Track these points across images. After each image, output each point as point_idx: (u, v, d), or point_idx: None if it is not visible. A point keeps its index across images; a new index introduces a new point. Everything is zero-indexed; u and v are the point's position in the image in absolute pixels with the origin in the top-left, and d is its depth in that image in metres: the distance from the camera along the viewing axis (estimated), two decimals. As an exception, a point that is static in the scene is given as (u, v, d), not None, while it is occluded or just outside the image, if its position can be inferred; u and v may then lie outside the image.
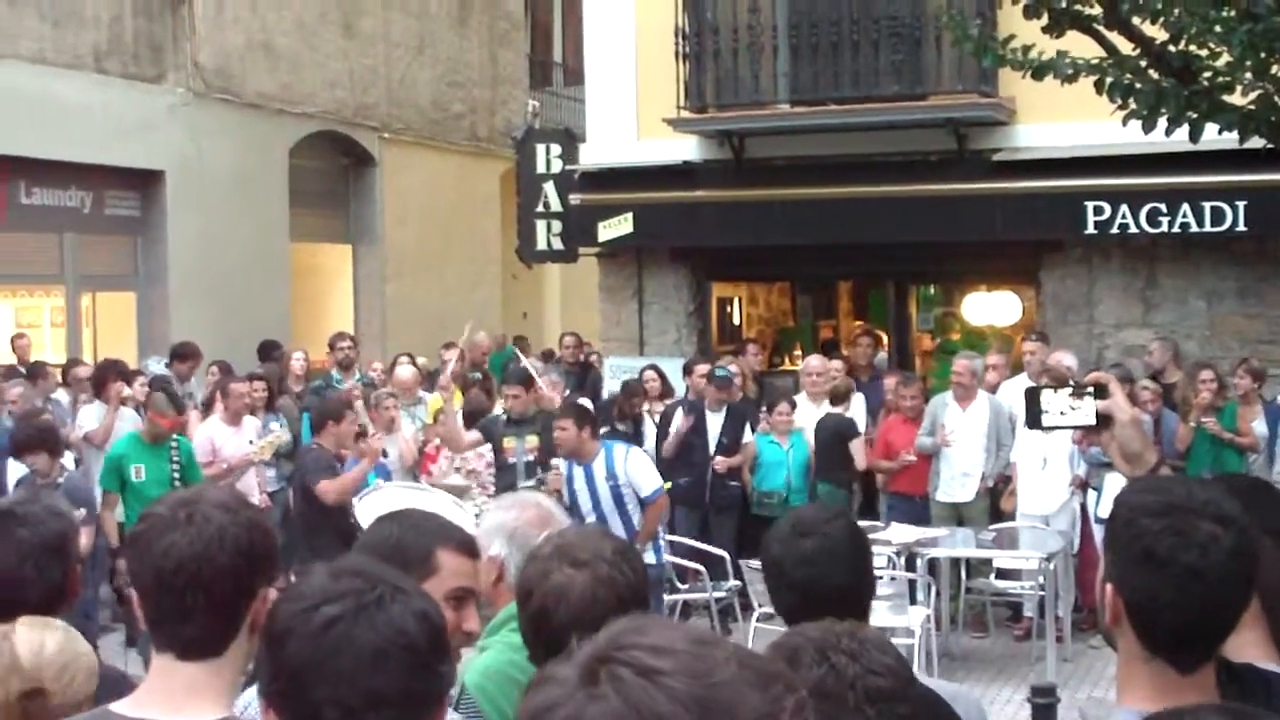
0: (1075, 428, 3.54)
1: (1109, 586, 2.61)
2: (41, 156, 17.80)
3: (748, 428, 13.74)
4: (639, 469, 11.12)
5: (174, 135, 19.54)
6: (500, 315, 25.16)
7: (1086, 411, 3.49)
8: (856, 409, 14.57)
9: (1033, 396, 3.59)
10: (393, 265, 23.44)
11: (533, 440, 12.23)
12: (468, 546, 3.56)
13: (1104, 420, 3.46)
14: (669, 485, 12.05)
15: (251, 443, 12.47)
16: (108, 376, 13.85)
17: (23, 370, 15.28)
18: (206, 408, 13.91)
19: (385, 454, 12.93)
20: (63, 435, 13.02)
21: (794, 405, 14.06)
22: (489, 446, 12.83)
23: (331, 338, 17.03)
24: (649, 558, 11.10)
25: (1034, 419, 3.58)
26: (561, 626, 3.39)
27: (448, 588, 3.40)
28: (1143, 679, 2.60)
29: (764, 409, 14.38)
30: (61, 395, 14.55)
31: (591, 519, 11.09)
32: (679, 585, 12.91)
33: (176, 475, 11.38)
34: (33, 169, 17.96)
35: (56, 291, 18.91)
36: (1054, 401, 3.53)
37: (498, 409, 13.49)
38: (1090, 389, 3.53)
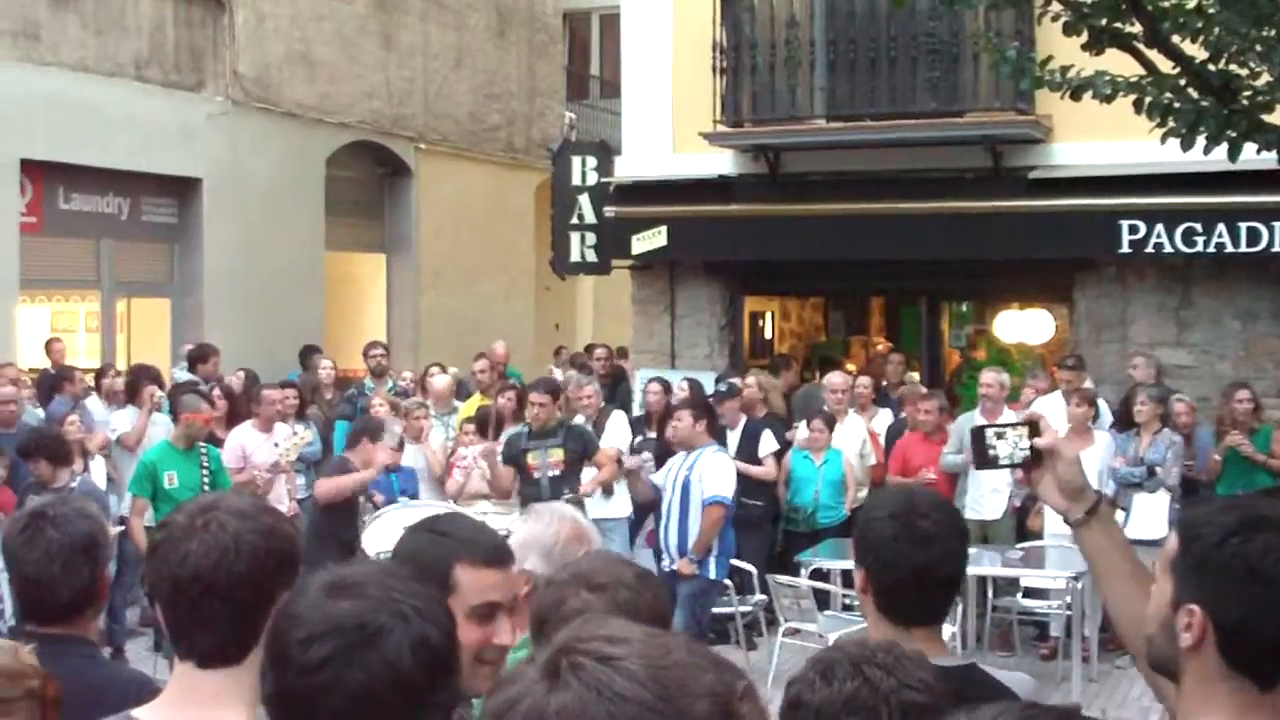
0: (1017, 465, 3.53)
1: (1194, 609, 2.59)
2: (80, 163, 17.95)
3: (768, 441, 13.61)
4: (712, 469, 11.20)
5: (212, 143, 19.64)
6: (533, 326, 25.19)
7: (1026, 448, 3.49)
8: (882, 424, 14.55)
9: (979, 436, 3.57)
10: (427, 275, 23.49)
11: (556, 454, 12.14)
12: (491, 557, 3.35)
13: (1038, 456, 3.47)
14: None
15: (277, 445, 12.50)
16: (141, 381, 13.90)
17: (55, 374, 15.37)
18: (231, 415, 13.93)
19: (398, 467, 12.98)
20: (90, 441, 13.08)
21: (831, 422, 13.93)
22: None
23: (365, 346, 17.08)
24: (708, 570, 11.19)
25: (981, 458, 3.57)
26: None
27: (469, 605, 3.23)
28: (1222, 698, 2.59)
29: (799, 425, 14.29)
30: (95, 401, 14.58)
31: (666, 510, 11.26)
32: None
33: (207, 481, 11.42)
34: (72, 175, 18.09)
35: (92, 297, 19.02)
36: (1000, 440, 3.53)
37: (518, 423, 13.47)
38: (1024, 427, 3.54)
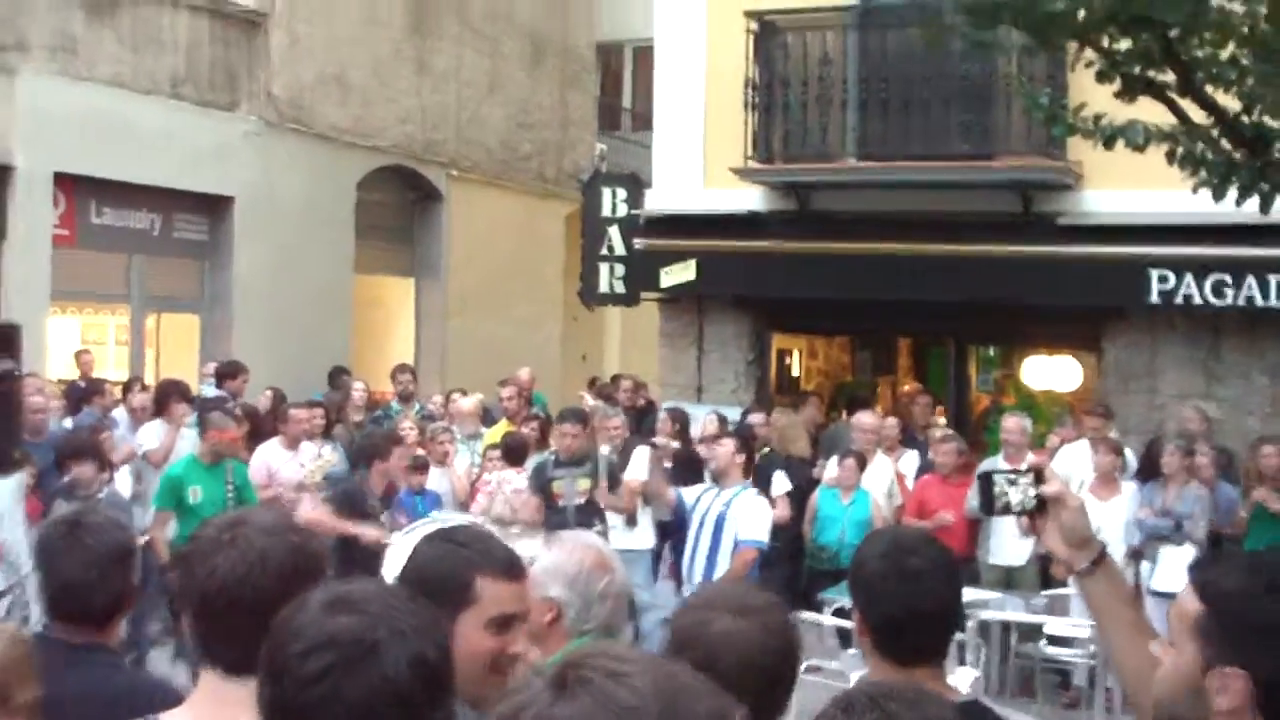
0: (1023, 513, 3.54)
1: (1233, 672, 2.59)
2: (114, 178, 18.03)
3: (780, 482, 13.52)
4: (749, 511, 11.17)
5: (245, 163, 19.74)
6: (560, 355, 25.22)
7: (1032, 497, 3.50)
8: (909, 465, 14.51)
9: (987, 482, 3.58)
10: (455, 301, 23.53)
11: (584, 483, 12.16)
12: (510, 569, 3.42)
13: (1043, 504, 3.47)
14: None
15: (303, 466, 12.55)
16: (169, 396, 13.94)
17: (83, 385, 15.42)
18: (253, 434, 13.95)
19: (423, 489, 13.00)
20: (116, 453, 13.13)
21: (862, 462, 13.84)
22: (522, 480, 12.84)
23: (393, 370, 17.12)
24: None
25: (987, 505, 3.58)
26: (725, 675, 3.28)
27: (489, 615, 3.32)
28: None
29: (824, 463, 14.24)
30: (120, 413, 14.62)
31: (693, 541, 11.19)
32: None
33: (232, 497, 11.45)
34: (105, 190, 18.18)
35: (122, 310, 19.10)
36: (1011, 486, 3.54)
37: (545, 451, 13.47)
38: (1032, 474, 3.55)
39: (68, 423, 13.81)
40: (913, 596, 3.55)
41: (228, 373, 16.01)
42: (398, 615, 2.38)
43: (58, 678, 3.98)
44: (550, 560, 4.32)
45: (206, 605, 2.98)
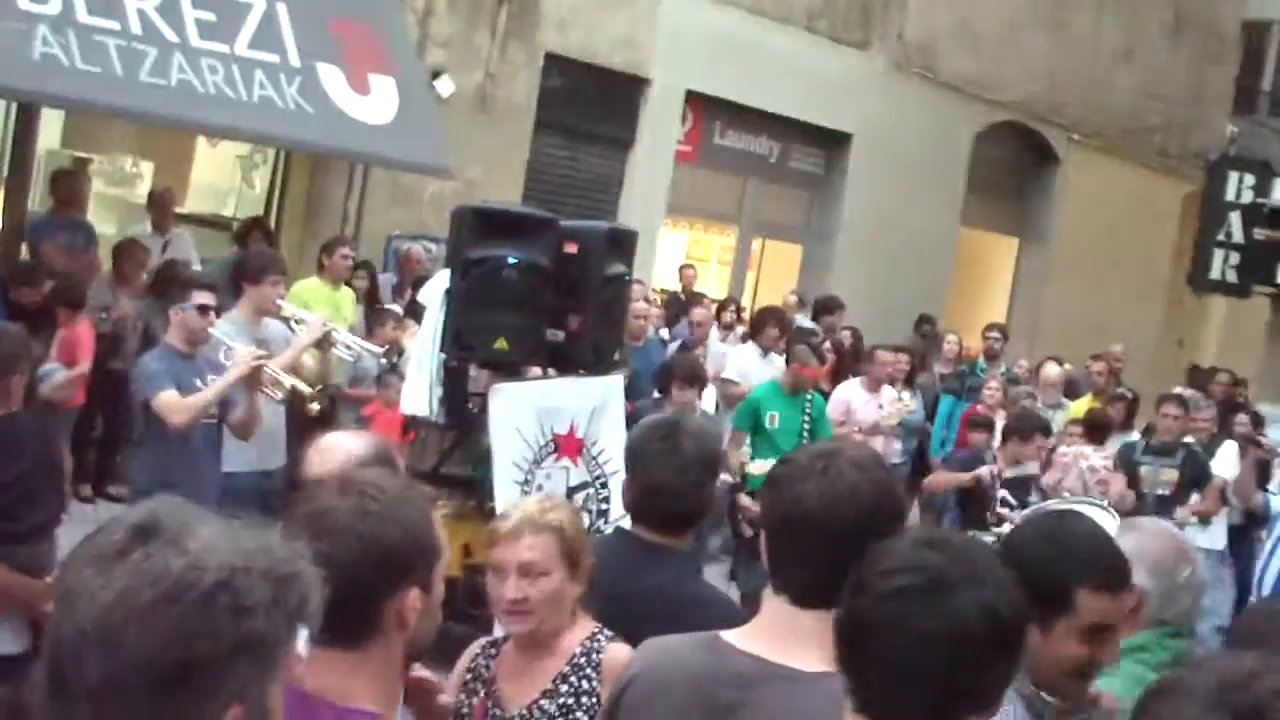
0: None
1: None
2: (740, 101, 18.52)
3: None
4: None
5: (868, 102, 19.89)
6: (1155, 337, 24.36)
7: None
8: None
9: None
10: (1058, 267, 23.12)
11: (1170, 473, 11.77)
12: (1114, 582, 3.37)
13: None
14: None
15: (881, 407, 12.63)
16: (766, 322, 14.21)
17: (683, 298, 15.93)
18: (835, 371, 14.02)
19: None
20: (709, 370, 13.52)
21: None
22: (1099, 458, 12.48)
23: (985, 327, 16.96)
24: None
25: None
26: None
27: (1084, 624, 3.28)
28: None
29: None
30: (713, 332, 14.99)
31: (1266, 554, 10.76)
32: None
33: (807, 427, 11.61)
34: (730, 112, 18.70)
35: (729, 231, 19.69)
36: None
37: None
38: None
39: (664, 333, 14.29)
40: None
41: (825, 307, 16.21)
42: (982, 565, 2.47)
43: (634, 574, 4.14)
44: (1132, 545, 4.18)
45: (786, 528, 3.02)
